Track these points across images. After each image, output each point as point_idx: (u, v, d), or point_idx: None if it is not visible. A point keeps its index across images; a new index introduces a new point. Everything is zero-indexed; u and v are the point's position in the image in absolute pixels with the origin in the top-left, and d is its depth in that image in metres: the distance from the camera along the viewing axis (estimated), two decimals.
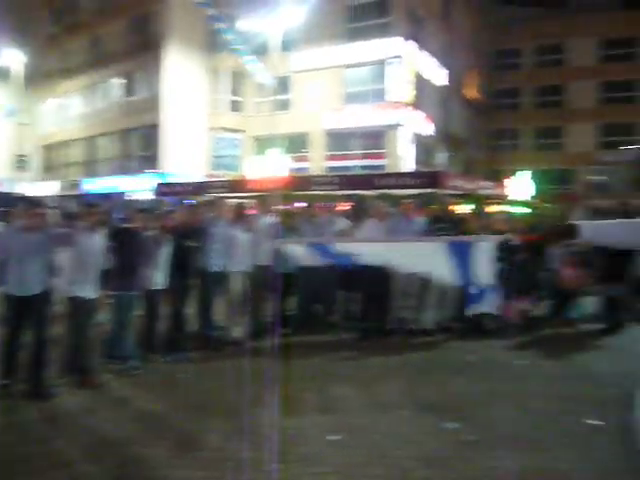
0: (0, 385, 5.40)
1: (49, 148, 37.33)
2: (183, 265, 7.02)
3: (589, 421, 4.87)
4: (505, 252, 8.66)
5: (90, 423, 4.79)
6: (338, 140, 27.06)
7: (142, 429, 4.73)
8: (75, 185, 32.86)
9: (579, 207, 23.14)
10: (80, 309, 5.84)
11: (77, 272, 5.86)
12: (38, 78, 35.97)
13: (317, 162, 27.22)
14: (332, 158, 26.94)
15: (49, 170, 36.96)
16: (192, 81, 29.28)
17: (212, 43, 29.48)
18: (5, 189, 26.90)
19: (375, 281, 7.90)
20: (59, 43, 35.73)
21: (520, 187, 23.93)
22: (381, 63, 25.70)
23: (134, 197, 26.65)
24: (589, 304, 9.21)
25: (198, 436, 4.55)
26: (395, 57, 25.22)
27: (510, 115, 40.94)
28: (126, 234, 6.58)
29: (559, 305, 8.70)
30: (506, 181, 25.80)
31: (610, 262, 8.76)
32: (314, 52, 27.08)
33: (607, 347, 7.70)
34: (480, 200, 15.58)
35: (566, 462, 4.05)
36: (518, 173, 28.71)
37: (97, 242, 6.04)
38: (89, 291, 5.88)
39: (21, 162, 37.28)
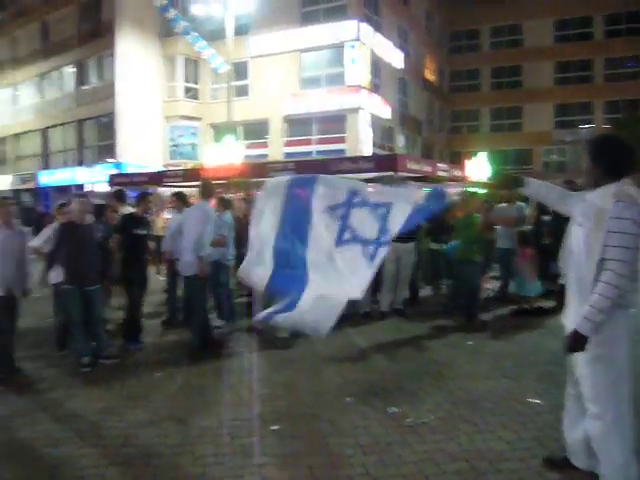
0: None
1: (0, 141, 36.08)
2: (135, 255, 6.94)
3: (531, 400, 4.91)
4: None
5: None
6: (297, 125, 26.84)
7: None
8: (29, 179, 32.01)
9: None
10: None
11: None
12: None
13: (276, 148, 26.98)
14: (291, 144, 26.73)
15: (1, 164, 35.81)
16: (146, 68, 28.62)
17: (165, 29, 28.84)
18: None
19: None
20: (6, 31, 34.50)
21: (478, 168, 24.06)
22: (337, 46, 25.50)
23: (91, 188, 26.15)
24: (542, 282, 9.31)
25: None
26: (351, 40, 25.04)
27: (468, 97, 41.21)
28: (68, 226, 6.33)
29: (513, 283, 8.81)
30: (467, 163, 25.90)
31: (553, 241, 8.83)
32: (270, 37, 26.73)
33: (555, 325, 7.78)
34: (439, 182, 15.61)
35: (505, 442, 4.06)
36: (477, 154, 28.91)
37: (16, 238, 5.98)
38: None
39: None
